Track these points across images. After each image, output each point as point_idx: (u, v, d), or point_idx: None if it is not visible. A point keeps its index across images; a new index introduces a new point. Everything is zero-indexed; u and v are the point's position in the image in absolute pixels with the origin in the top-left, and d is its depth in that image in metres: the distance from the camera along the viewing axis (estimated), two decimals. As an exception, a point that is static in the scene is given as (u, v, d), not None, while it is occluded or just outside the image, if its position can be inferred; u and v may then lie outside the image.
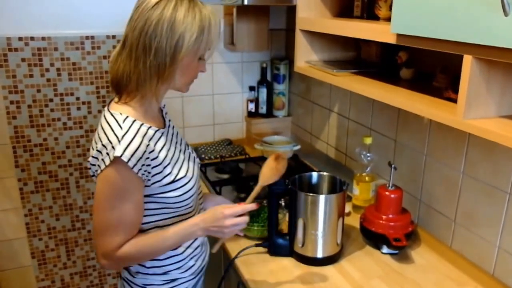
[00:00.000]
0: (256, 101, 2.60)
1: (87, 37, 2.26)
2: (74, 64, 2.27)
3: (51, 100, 2.27)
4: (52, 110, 2.28)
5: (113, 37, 2.30)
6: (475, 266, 1.51)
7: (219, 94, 2.58)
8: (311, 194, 1.53)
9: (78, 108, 2.33)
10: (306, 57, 1.80)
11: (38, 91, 2.24)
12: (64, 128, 2.32)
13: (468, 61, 1.05)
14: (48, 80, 2.24)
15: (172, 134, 1.40)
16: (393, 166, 1.64)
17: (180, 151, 1.39)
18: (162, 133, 1.31)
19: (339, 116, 2.19)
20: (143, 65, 1.18)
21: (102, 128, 1.22)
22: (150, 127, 1.25)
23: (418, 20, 1.13)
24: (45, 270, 2.48)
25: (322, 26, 1.61)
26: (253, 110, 2.60)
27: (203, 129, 2.61)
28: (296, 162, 2.38)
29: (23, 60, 2.18)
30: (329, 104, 2.25)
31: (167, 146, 1.31)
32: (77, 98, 2.32)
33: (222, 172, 2.26)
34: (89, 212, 2.49)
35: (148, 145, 1.21)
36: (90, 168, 1.24)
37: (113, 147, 1.16)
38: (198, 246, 1.45)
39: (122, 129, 1.19)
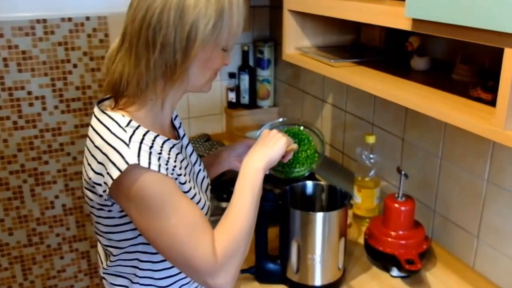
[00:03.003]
0: (237, 89, 2.33)
1: (38, 21, 1.96)
2: (23, 52, 1.97)
3: (-3, 95, 1.98)
4: (-1, 107, 1.99)
5: (69, 19, 2.00)
6: (504, 292, 1.28)
7: (194, 83, 2.28)
8: (306, 212, 1.27)
9: (31, 104, 2.04)
10: (296, 42, 1.51)
11: (-18, 85, 1.94)
12: (15, 128, 2.04)
13: (510, 56, 0.80)
14: (-7, 72, 1.95)
15: (186, 149, 1.18)
16: (403, 173, 1.38)
17: (193, 171, 1.17)
18: (174, 144, 1.07)
19: (334, 108, 1.91)
20: (146, 64, 0.96)
21: (98, 133, 0.98)
22: (157, 135, 1.01)
23: (441, 1, 0.87)
24: (-1, 292, 2.23)
25: (315, 7, 1.32)
26: (233, 100, 2.33)
27: (177, 124, 2.32)
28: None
29: (-38, 49, 1.89)
30: (322, 93, 1.97)
31: (181, 157, 1.08)
32: (29, 93, 2.02)
33: (199, 176, 1.97)
34: (47, 224, 2.22)
35: (160, 151, 0.98)
36: (89, 189, 1.00)
37: (121, 155, 0.93)
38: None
39: (126, 132, 0.96)
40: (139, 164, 0.92)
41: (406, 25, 1.00)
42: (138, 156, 0.92)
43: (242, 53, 2.29)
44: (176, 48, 0.94)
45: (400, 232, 1.38)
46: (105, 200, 0.99)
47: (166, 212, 0.95)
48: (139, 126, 0.99)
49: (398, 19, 1.01)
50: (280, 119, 1.47)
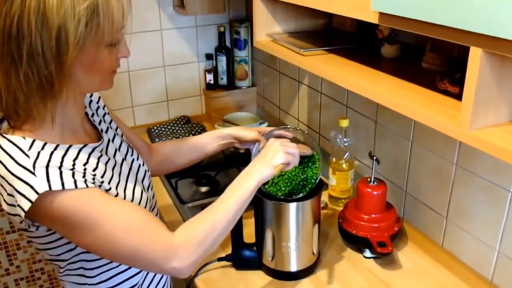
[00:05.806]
0: (214, 71, 2.29)
1: None
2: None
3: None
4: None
5: None
6: (471, 270, 1.32)
7: (171, 66, 2.24)
8: (279, 202, 1.28)
9: None
10: (267, 28, 1.50)
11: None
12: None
13: (477, 56, 0.79)
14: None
15: (108, 142, 1.11)
16: (375, 158, 1.40)
17: (122, 165, 1.11)
18: (94, 148, 1.02)
19: (310, 89, 1.91)
20: (16, 79, 0.87)
21: (1, 162, 0.90)
22: (70, 146, 0.96)
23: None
24: (-15, 279, 2.23)
25: (284, -6, 1.30)
26: (211, 82, 2.29)
27: (156, 107, 2.28)
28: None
29: None
30: (298, 75, 1.97)
31: (104, 159, 1.03)
32: None
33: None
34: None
35: (73, 166, 0.91)
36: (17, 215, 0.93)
37: (29, 185, 0.86)
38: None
39: (29, 157, 0.88)
40: (50, 189, 0.86)
41: (372, 18, 0.99)
42: (48, 181, 0.86)
43: (219, 34, 2.24)
44: (46, 57, 0.84)
45: (373, 216, 1.40)
46: (27, 227, 0.94)
47: (97, 223, 0.90)
48: (45, 144, 0.91)
49: (365, 12, 1.00)
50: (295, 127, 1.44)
